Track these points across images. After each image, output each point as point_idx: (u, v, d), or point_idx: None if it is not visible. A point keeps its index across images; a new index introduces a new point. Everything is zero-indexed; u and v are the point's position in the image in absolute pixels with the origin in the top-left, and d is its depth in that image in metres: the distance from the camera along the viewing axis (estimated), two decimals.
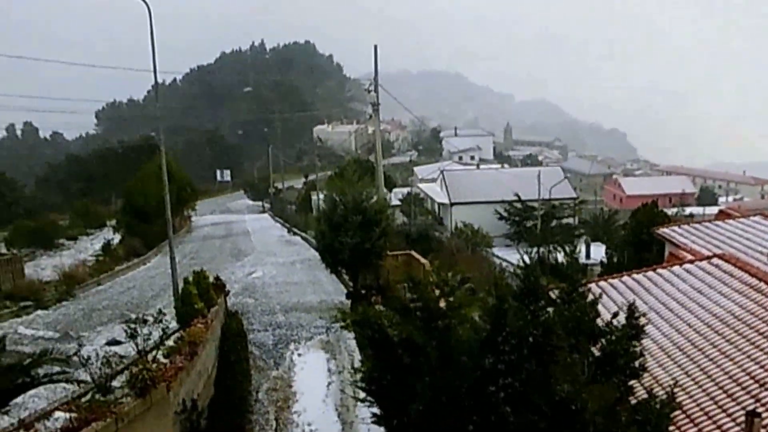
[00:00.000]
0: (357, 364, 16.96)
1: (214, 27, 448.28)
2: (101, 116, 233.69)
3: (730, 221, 28.03)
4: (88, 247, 56.09)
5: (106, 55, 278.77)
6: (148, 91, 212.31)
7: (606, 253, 47.11)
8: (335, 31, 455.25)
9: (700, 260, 21.70)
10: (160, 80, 32.34)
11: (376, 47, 41.55)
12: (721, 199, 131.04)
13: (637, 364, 12.52)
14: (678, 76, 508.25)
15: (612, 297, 20.16)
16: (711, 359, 15.62)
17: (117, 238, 56.63)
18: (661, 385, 14.54)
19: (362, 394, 14.32)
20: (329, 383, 25.20)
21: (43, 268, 44.33)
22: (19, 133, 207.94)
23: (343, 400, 23.36)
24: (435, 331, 12.89)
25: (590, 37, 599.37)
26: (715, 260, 21.02)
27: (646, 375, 13.32)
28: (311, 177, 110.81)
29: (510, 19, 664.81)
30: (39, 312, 33.09)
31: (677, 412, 12.86)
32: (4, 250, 45.45)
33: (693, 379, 15.10)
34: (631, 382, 12.63)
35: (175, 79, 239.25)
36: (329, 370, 26.54)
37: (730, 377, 14.67)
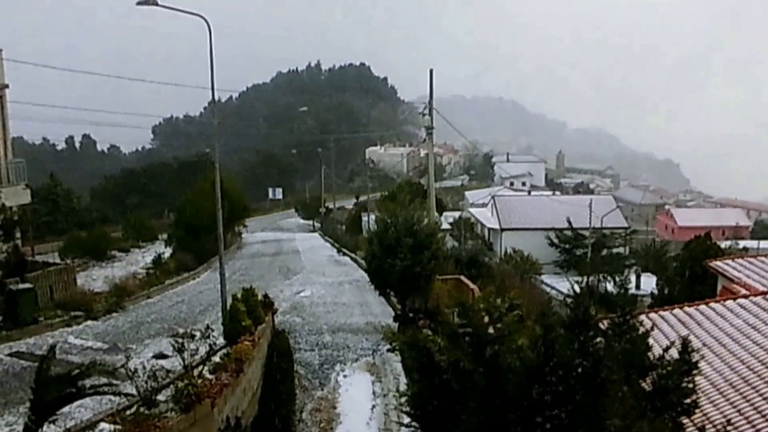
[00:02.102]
0: (402, 388, 16.80)
1: (270, 47, 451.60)
2: (157, 131, 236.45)
3: None
4: (140, 259, 56.52)
5: (163, 72, 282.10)
6: (204, 108, 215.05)
7: (657, 285, 46.67)
8: (390, 54, 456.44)
9: (755, 295, 21.32)
10: (216, 98, 32.48)
11: (431, 71, 41.60)
12: None
13: (689, 400, 12.28)
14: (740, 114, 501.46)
15: (663, 330, 19.87)
16: (765, 398, 15.30)
17: (168, 251, 56.97)
18: (712, 423, 14.28)
19: (407, 419, 14.18)
20: (374, 406, 25.06)
21: (95, 278, 44.74)
22: (77, 145, 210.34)
23: (387, 424, 23.24)
24: (483, 357, 12.71)
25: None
26: None
27: (696, 412, 13.06)
28: (362, 198, 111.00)
29: (569, 47, 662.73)
30: (89, 322, 33.21)
31: None
32: (57, 260, 45.83)
33: (746, 419, 14.80)
34: (682, 419, 12.39)
35: (231, 97, 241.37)
36: (374, 392, 26.40)
37: None
